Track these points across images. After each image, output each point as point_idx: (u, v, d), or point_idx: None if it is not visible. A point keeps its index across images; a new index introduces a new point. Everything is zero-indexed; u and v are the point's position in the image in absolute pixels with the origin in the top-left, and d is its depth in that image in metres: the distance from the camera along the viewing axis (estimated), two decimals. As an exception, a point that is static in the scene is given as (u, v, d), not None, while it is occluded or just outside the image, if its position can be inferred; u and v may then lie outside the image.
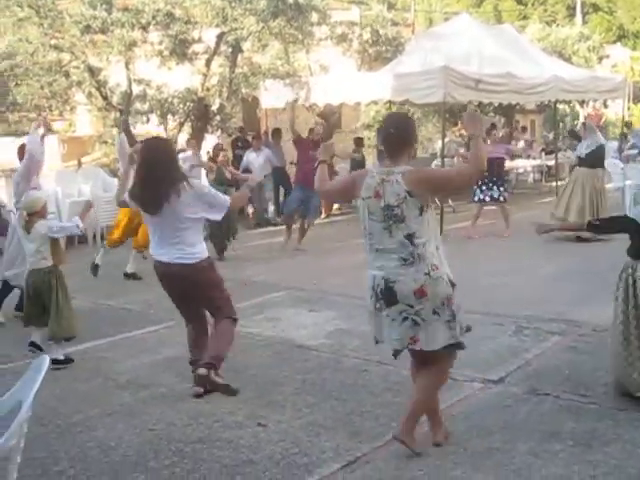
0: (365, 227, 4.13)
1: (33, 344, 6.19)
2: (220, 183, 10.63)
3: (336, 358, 5.99)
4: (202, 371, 5.09)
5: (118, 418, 4.94)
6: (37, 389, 3.19)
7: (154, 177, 5.02)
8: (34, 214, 6.11)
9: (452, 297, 4.00)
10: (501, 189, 11.78)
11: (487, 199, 11.76)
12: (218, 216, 5.28)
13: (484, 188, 11.69)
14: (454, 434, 4.40)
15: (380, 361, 5.78)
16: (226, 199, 5.27)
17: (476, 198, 11.82)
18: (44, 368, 3.23)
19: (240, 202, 6.21)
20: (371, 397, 5.10)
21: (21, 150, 7.97)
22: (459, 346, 4.10)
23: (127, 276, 9.50)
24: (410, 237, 3.95)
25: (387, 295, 4.02)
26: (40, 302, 6.06)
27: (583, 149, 11.14)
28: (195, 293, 5.27)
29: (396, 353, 4.17)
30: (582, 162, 11.13)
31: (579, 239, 10.49)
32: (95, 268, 9.45)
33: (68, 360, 6.06)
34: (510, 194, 12.70)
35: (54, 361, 5.55)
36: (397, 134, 4.04)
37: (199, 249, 5.19)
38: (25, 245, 6.26)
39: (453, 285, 4.03)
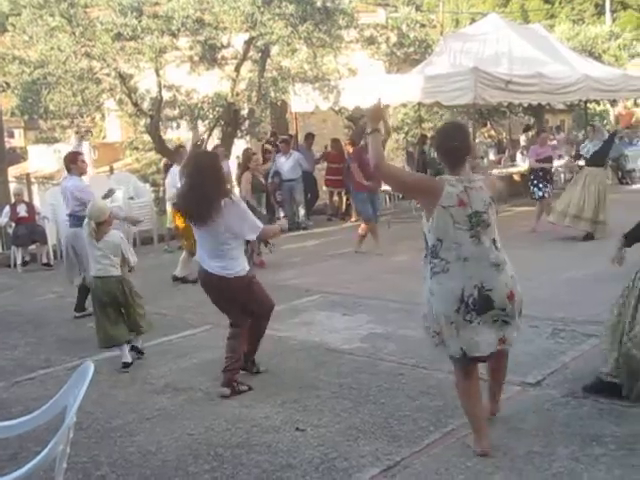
0: (446, 237, 4.03)
1: (126, 365, 6.25)
2: (255, 189, 10.66)
3: (371, 362, 5.99)
4: (224, 391, 5.39)
5: (156, 423, 4.98)
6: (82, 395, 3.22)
7: (199, 193, 5.21)
8: (103, 223, 6.28)
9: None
10: (540, 187, 12.17)
11: (546, 195, 12.14)
12: (252, 236, 5.59)
13: (541, 186, 12.10)
14: (493, 437, 4.37)
15: (416, 365, 5.79)
16: (259, 224, 5.51)
17: (536, 196, 12.21)
18: (89, 374, 3.26)
19: (270, 235, 6.52)
20: (408, 401, 5.09)
21: (68, 160, 8.19)
22: None
23: (176, 280, 9.59)
24: (494, 242, 4.08)
25: (482, 303, 4.01)
26: (116, 307, 6.27)
27: (588, 149, 11.55)
28: (232, 304, 5.51)
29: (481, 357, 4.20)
30: (587, 161, 11.55)
31: (587, 238, 10.99)
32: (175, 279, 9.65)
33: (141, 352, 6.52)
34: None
35: (134, 348, 6.41)
36: (461, 146, 4.09)
37: (240, 264, 5.39)
38: (92, 252, 6.36)
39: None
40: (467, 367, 4.21)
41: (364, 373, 5.73)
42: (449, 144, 4.10)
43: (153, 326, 6.56)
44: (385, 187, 15.01)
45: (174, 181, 9.44)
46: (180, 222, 9.36)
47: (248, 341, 5.67)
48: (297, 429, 4.73)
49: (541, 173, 12.16)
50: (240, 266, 5.39)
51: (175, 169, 9.90)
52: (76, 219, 7.83)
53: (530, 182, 12.40)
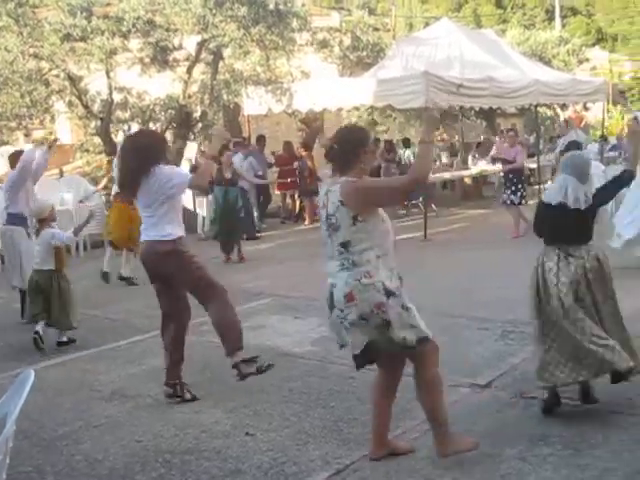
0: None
1: (37, 333, 6.73)
2: (219, 183, 10.67)
3: (322, 365, 5.97)
4: (167, 391, 5.38)
5: (104, 430, 4.90)
6: (22, 403, 3.14)
7: (124, 165, 5.56)
8: (43, 220, 6.88)
9: (384, 305, 3.97)
10: (513, 190, 12.02)
11: (516, 202, 11.98)
12: (183, 183, 5.41)
13: (512, 190, 11.97)
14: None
15: (367, 367, 5.76)
16: (188, 174, 5.77)
17: (508, 202, 12.04)
18: (29, 381, 3.18)
19: (206, 175, 5.91)
20: (359, 404, 5.07)
21: (13, 158, 8.02)
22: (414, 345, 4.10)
23: (122, 279, 9.54)
24: (345, 245, 4.03)
25: (329, 299, 4.09)
26: (44, 299, 6.76)
27: (560, 146, 11.67)
28: (173, 276, 5.38)
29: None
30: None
31: None
32: (105, 276, 9.60)
33: (71, 340, 6.93)
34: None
35: (60, 343, 6.87)
36: (339, 149, 4.12)
37: (167, 230, 5.30)
38: (34, 248, 7.03)
39: (390, 294, 3.99)
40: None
41: (314, 377, 5.71)
42: (329, 147, 4.20)
43: (73, 325, 6.90)
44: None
45: None
46: (114, 215, 9.50)
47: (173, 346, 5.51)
48: (247, 434, 4.69)
49: (513, 178, 12.01)
50: (167, 231, 5.29)
51: None
52: (12, 217, 7.80)
53: (504, 187, 12.25)
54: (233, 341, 5.31)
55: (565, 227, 4.70)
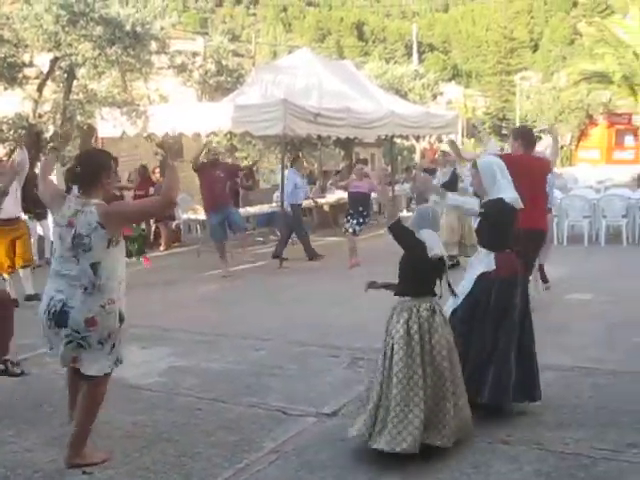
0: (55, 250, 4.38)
1: None
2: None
3: (169, 397, 5.79)
4: None
5: None
6: None
7: None
8: None
9: (116, 331, 4.38)
10: (360, 222, 11.98)
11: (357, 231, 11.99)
12: None
13: (354, 221, 11.91)
14: (287, 470, 4.32)
15: (215, 398, 5.68)
16: None
17: (351, 230, 11.96)
18: None
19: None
20: (204, 436, 4.94)
21: None
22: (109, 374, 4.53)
23: (30, 299, 9.01)
24: (95, 267, 4.22)
25: (59, 318, 4.22)
26: None
27: (441, 177, 11.75)
28: None
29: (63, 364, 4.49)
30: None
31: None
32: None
33: None
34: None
35: None
36: (82, 170, 4.38)
37: None
38: None
39: (122, 320, 4.42)
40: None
41: (160, 409, 5.52)
42: (72, 168, 4.46)
43: None
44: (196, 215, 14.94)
45: None
46: None
47: None
48: (84, 473, 4.44)
49: (361, 208, 11.96)
50: None
51: None
52: None
53: (346, 215, 12.19)
54: None
55: None
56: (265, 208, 15.64)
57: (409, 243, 4.62)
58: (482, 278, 5.06)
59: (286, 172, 13.02)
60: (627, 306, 8.47)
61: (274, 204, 15.21)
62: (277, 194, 15.05)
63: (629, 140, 33.94)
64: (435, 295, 4.62)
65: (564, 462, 4.39)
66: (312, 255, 12.77)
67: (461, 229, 11.28)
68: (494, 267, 5.03)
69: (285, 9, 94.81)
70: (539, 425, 4.97)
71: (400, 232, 4.63)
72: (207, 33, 33.36)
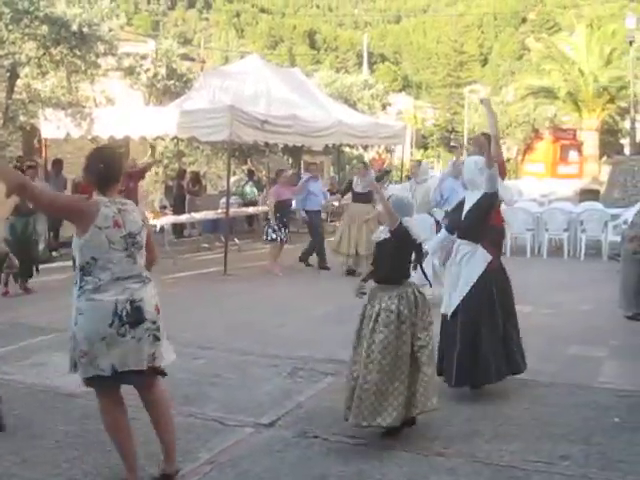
0: (100, 256, 4.06)
1: None
2: (24, 213, 9.89)
3: (103, 406, 5.66)
4: None
5: None
6: None
7: None
8: None
9: None
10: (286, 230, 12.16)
11: (279, 239, 12.06)
12: None
13: (276, 229, 11.94)
14: (220, 484, 4.26)
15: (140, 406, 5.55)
16: None
17: (274, 236, 12.00)
18: None
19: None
20: (138, 447, 4.79)
21: None
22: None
23: None
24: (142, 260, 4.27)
25: (136, 314, 4.07)
26: None
27: (360, 187, 11.84)
28: None
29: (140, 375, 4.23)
30: (357, 198, 11.92)
31: (349, 273, 11.43)
32: None
33: None
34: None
35: None
36: (108, 169, 4.20)
37: None
38: None
39: None
40: (113, 391, 4.30)
41: (93, 418, 5.34)
42: (95, 166, 4.20)
43: None
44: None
45: None
46: None
47: None
48: (11, 485, 4.32)
49: (282, 216, 12.05)
50: None
51: None
52: None
53: (267, 224, 12.24)
54: None
55: None
56: (211, 214, 15.54)
57: (407, 239, 4.98)
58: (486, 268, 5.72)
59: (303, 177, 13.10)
60: (566, 318, 8.62)
61: (219, 210, 15.11)
62: (223, 200, 14.95)
63: (573, 155, 34.72)
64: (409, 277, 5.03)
65: (499, 474, 4.42)
66: (322, 264, 12.61)
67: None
68: (490, 257, 5.72)
69: (238, 15, 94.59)
70: (475, 436, 4.99)
71: (404, 234, 4.97)
72: (158, 36, 33.01)
